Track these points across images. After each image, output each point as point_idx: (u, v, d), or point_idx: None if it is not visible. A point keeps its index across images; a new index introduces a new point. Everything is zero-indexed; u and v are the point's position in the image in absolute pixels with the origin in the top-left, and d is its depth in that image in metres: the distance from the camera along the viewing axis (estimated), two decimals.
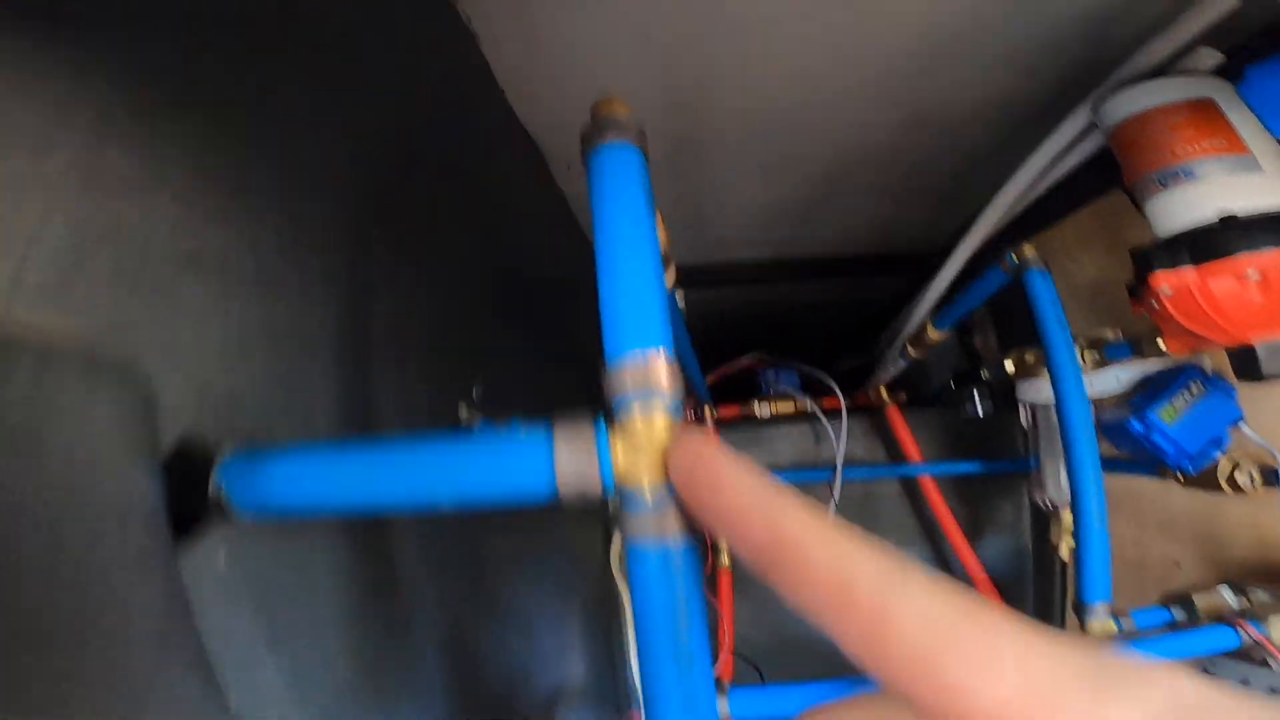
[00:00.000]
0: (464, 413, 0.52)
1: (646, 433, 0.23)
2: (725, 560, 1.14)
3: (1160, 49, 0.60)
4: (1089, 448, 0.62)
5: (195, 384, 0.28)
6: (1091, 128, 0.72)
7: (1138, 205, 0.78)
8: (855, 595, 0.14)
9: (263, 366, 0.31)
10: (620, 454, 0.23)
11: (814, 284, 1.35)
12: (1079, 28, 0.65)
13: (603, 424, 0.23)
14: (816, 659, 1.17)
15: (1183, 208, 0.57)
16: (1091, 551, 0.62)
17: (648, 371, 0.22)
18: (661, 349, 0.22)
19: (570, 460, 0.23)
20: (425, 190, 0.50)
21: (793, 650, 1.16)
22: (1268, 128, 0.53)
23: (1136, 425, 0.74)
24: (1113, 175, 0.87)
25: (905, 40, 0.67)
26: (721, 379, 1.23)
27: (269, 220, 0.31)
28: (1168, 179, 0.58)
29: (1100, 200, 0.93)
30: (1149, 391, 0.77)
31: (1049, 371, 0.63)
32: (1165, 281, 0.56)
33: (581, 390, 0.97)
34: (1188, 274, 0.55)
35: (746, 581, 1.17)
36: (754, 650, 1.15)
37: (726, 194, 1.01)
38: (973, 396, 1.10)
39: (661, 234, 0.42)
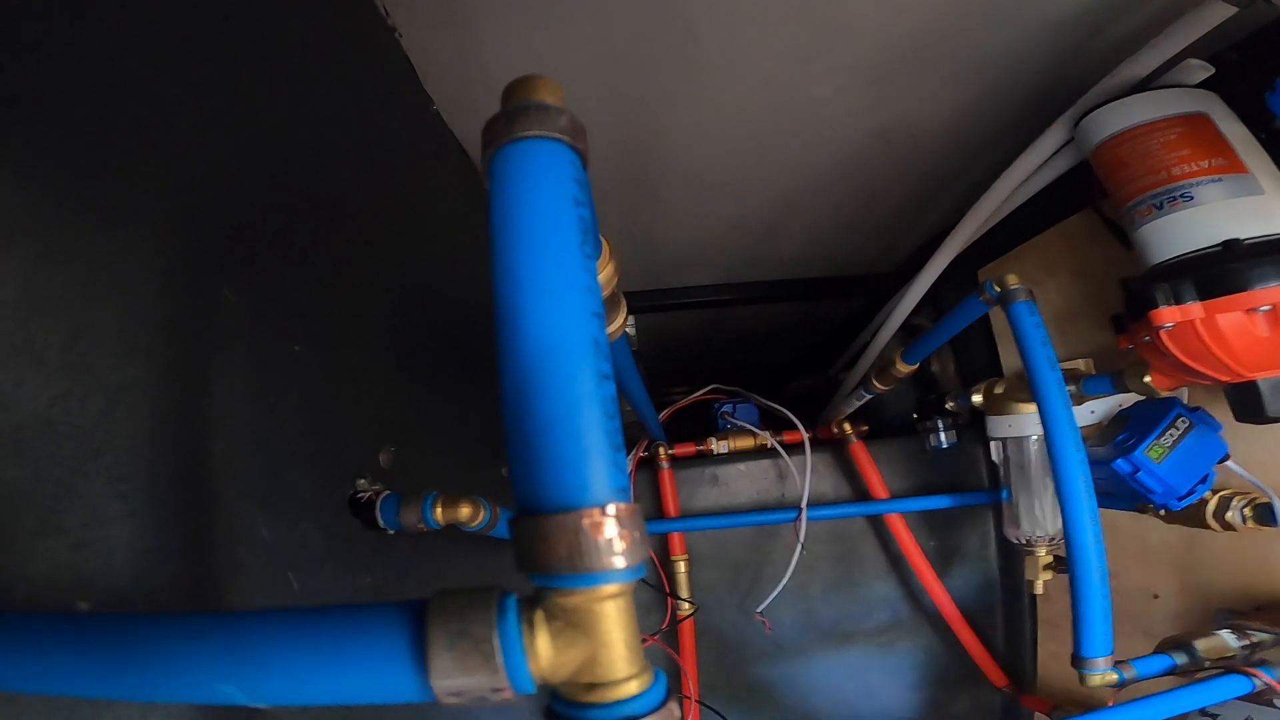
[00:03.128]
0: (363, 486, 0.42)
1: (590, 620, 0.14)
2: (685, 609, 1.05)
3: (1148, 61, 0.54)
4: (1087, 503, 0.56)
5: None
6: (1064, 145, 0.67)
7: (1119, 228, 0.73)
8: None
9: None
10: (544, 654, 0.14)
11: (770, 307, 1.29)
12: (1054, 40, 0.60)
13: (514, 611, 0.14)
14: (780, 705, 1.12)
15: (1183, 233, 0.51)
16: (1092, 607, 0.56)
17: (591, 536, 0.13)
18: (614, 504, 0.13)
19: (454, 666, 0.14)
20: (315, 215, 0.40)
21: (757, 695, 1.11)
22: None
23: (1124, 465, 0.69)
24: (1080, 196, 0.83)
25: (871, 52, 0.61)
26: (676, 415, 1.14)
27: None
28: (1163, 201, 0.52)
29: (1064, 222, 0.89)
30: (1132, 428, 0.72)
31: (1040, 413, 0.57)
32: (1169, 317, 0.50)
33: None
34: (1193, 309, 0.50)
35: (707, 630, 1.09)
36: (718, 698, 1.07)
37: (681, 216, 0.93)
38: (937, 428, 1.05)
39: (608, 268, 0.32)
